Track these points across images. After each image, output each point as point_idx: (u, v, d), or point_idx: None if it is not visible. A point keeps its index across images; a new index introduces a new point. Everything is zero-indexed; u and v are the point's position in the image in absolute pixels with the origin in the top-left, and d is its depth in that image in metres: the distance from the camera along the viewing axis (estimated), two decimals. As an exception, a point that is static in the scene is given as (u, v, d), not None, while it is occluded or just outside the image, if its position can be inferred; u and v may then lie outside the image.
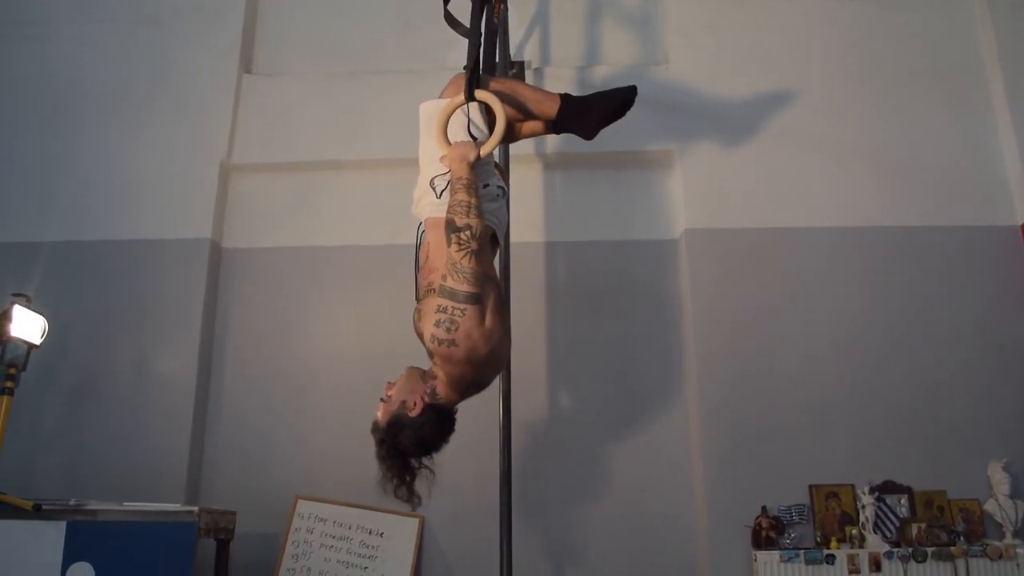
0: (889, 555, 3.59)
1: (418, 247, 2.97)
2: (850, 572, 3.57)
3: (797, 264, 4.08)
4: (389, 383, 2.82)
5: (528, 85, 3.25)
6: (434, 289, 2.73)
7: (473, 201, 2.77)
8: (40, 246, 4.13)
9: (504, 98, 2.95)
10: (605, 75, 4.34)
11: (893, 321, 4.00)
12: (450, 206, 2.78)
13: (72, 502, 2.94)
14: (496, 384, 3.25)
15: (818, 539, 3.70)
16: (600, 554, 3.84)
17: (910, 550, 3.59)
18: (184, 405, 3.95)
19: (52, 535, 2.81)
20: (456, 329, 2.67)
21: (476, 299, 2.69)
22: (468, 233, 2.73)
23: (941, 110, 4.30)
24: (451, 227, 2.75)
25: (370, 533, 3.82)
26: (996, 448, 3.79)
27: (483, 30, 3.14)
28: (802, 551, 3.61)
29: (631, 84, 3.22)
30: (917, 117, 4.28)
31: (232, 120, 4.35)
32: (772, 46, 4.41)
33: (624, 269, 4.22)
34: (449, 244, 2.74)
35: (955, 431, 3.85)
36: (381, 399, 2.81)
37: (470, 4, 3.13)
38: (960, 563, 3.56)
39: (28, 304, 3.28)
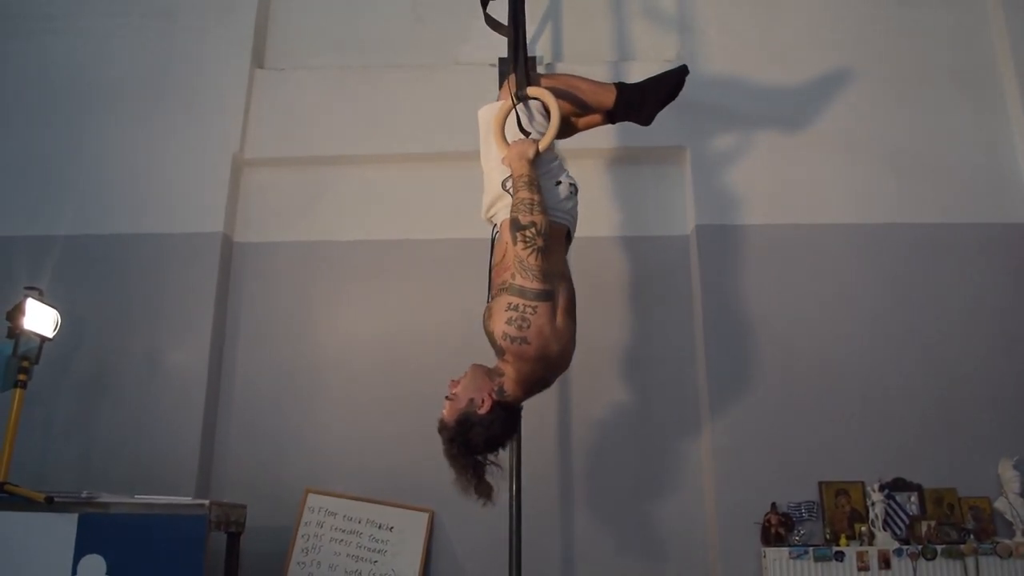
0: (899, 552, 3.58)
1: (492, 248, 2.98)
2: (859, 569, 3.56)
3: (809, 261, 4.07)
4: (453, 381, 2.81)
5: (582, 77, 3.25)
6: (505, 288, 2.72)
7: (536, 198, 2.77)
8: (53, 240, 4.14)
9: (560, 94, 2.99)
10: (616, 71, 4.33)
11: (906, 319, 3.98)
12: (513, 204, 2.79)
13: (84, 494, 2.96)
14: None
15: (827, 536, 3.69)
16: (610, 550, 3.85)
17: (920, 548, 3.57)
18: (195, 399, 3.97)
19: (64, 527, 2.82)
20: (528, 327, 2.66)
21: (547, 296, 2.70)
22: (533, 230, 2.73)
23: (957, 107, 4.28)
24: (516, 225, 2.75)
25: (380, 527, 3.84)
26: (1007, 446, 3.77)
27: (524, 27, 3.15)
28: (811, 548, 3.61)
29: (682, 64, 3.26)
30: (932, 114, 4.26)
31: (244, 115, 4.36)
32: (787, 42, 4.39)
33: (635, 265, 4.21)
34: (515, 243, 2.73)
35: (966, 429, 3.83)
36: (447, 397, 2.78)
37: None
38: (970, 561, 3.55)
39: (41, 297, 3.29)
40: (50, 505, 2.83)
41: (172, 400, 3.97)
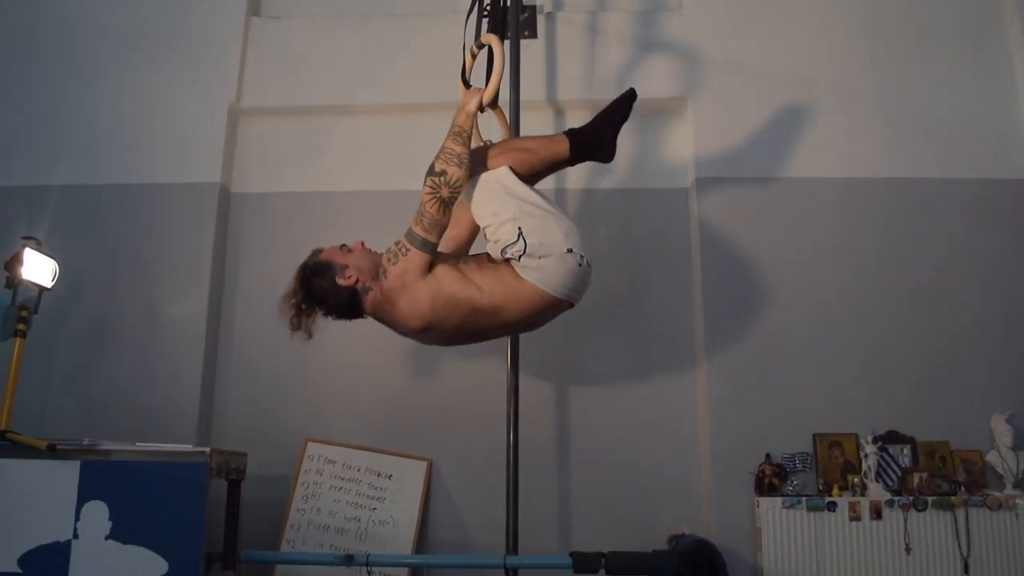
0: (890, 503, 3.63)
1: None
2: (851, 519, 3.62)
3: (808, 215, 4.06)
4: (363, 243, 2.92)
5: (530, 137, 3.18)
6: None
7: (460, 151, 2.79)
8: (49, 190, 4.13)
9: (517, 157, 2.94)
10: (617, 21, 4.28)
11: (903, 273, 3.99)
12: (438, 152, 2.80)
13: (85, 442, 2.98)
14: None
15: (820, 487, 3.74)
16: (605, 498, 3.90)
17: (911, 499, 3.62)
18: (195, 348, 3.99)
19: (67, 474, 2.85)
20: (394, 264, 2.77)
21: (425, 247, 2.74)
22: (442, 179, 2.75)
23: (957, 61, 4.23)
24: (429, 170, 2.78)
25: (379, 475, 3.89)
26: (1000, 401, 3.80)
27: None
28: (804, 498, 3.66)
29: (628, 88, 3.16)
30: (933, 68, 4.21)
31: (240, 63, 4.31)
32: (789, -8, 4.32)
33: (633, 217, 4.21)
34: (424, 186, 2.77)
35: (960, 383, 3.86)
36: (343, 244, 2.91)
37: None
38: (960, 512, 3.60)
39: (39, 247, 3.28)
40: (52, 453, 2.84)
41: (172, 349, 3.99)
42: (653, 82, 4.15)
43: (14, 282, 3.18)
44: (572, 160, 3.10)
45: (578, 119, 4.24)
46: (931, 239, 4.03)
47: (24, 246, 3.22)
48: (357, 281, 2.83)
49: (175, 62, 4.31)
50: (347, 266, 2.83)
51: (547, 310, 2.87)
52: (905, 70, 4.21)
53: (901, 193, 4.07)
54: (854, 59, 4.22)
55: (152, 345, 4.00)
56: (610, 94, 4.13)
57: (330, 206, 4.25)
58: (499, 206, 2.83)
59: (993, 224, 4.04)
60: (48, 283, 3.32)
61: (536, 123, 4.14)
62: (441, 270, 2.79)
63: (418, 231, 2.75)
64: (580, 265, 2.81)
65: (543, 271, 2.77)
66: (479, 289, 2.77)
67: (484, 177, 2.89)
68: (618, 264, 4.13)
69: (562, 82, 4.24)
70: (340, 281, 2.82)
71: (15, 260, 3.18)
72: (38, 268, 3.26)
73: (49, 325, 3.79)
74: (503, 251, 2.78)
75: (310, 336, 2.92)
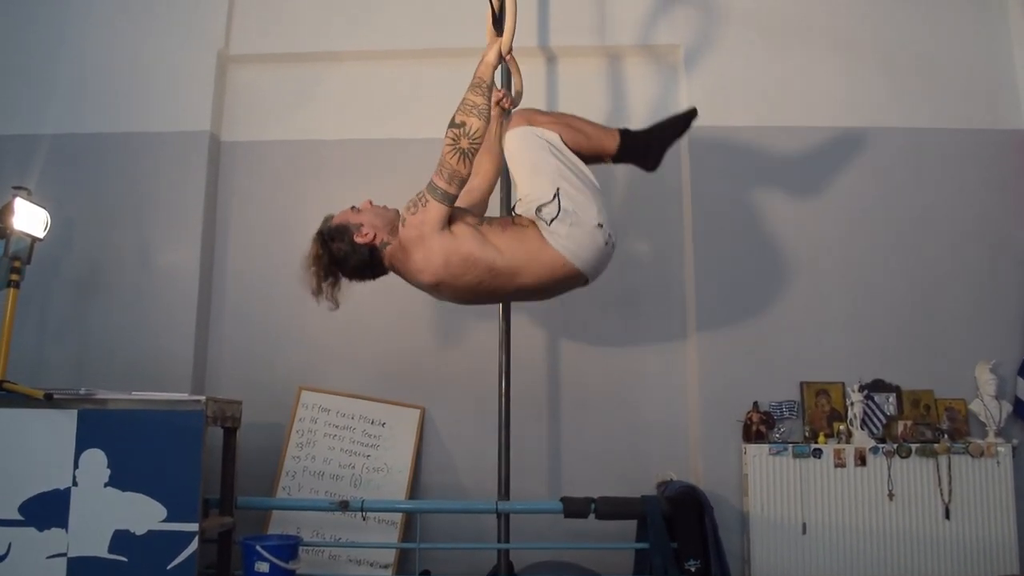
0: (874, 450, 3.70)
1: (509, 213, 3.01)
2: (836, 466, 3.69)
3: (800, 164, 4.06)
4: (371, 201, 2.94)
5: (587, 120, 3.10)
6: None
7: (479, 101, 2.77)
8: (39, 139, 4.09)
9: (570, 134, 2.92)
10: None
11: (892, 223, 4.01)
12: (460, 104, 2.79)
13: (82, 391, 3.01)
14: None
15: (807, 434, 3.80)
16: (595, 445, 3.97)
17: (895, 446, 3.69)
18: (188, 297, 4.01)
19: (64, 423, 2.88)
20: (413, 213, 2.76)
21: (445, 198, 2.73)
22: (462, 131, 2.74)
23: (954, 11, 4.19)
24: (451, 122, 2.77)
25: (372, 423, 3.94)
26: (984, 350, 3.85)
27: None
28: (791, 445, 3.72)
29: (692, 107, 3.17)
30: (930, 18, 4.18)
31: (228, 8, 4.25)
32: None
33: (624, 166, 4.18)
34: (445, 137, 2.76)
35: (946, 332, 3.91)
36: (353, 206, 2.93)
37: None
38: (943, 459, 3.67)
39: (30, 197, 3.27)
40: (49, 402, 2.88)
41: (165, 298, 4.01)
42: (646, 29, 4.12)
43: (6, 232, 3.18)
44: (616, 158, 3.10)
45: (571, 67, 4.24)
46: (918, 189, 4.04)
47: (15, 196, 3.21)
48: (375, 237, 2.84)
49: (162, 9, 4.25)
50: (361, 224, 2.85)
51: (564, 280, 2.88)
52: (900, 19, 4.18)
53: (892, 142, 4.06)
54: (849, 6, 4.18)
55: (145, 294, 4.01)
56: (601, 40, 4.13)
57: (320, 154, 4.24)
58: (540, 160, 2.84)
59: (980, 175, 4.05)
60: (40, 233, 3.31)
61: (527, 69, 4.10)
62: (460, 228, 2.79)
63: (438, 182, 2.73)
64: (607, 244, 2.84)
65: (571, 239, 2.78)
66: (497, 250, 2.77)
67: (529, 130, 2.89)
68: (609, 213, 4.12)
69: (554, 29, 4.19)
70: (359, 239, 2.83)
71: (7, 210, 3.17)
72: (30, 218, 3.25)
73: (42, 275, 3.81)
74: (538, 209, 2.78)
75: (337, 305, 2.94)
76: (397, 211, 2.91)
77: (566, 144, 2.89)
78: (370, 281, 2.98)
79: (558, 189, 2.78)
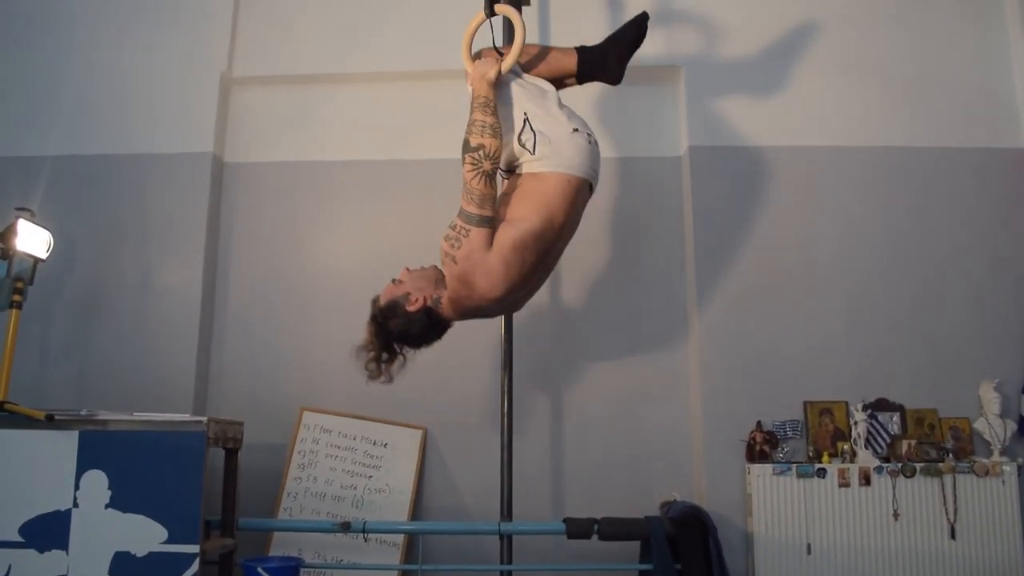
0: (879, 470, 3.67)
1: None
2: (840, 486, 3.66)
3: (801, 184, 4.06)
4: (407, 269, 2.93)
5: (545, 46, 3.22)
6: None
7: (489, 120, 2.78)
8: (42, 160, 4.11)
9: (530, 56, 3.01)
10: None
11: (894, 242, 4.00)
12: (467, 125, 2.81)
13: (83, 412, 3.00)
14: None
15: (810, 454, 3.78)
16: (599, 465, 3.95)
17: (899, 465, 3.66)
18: (190, 318, 4.01)
19: (65, 444, 2.88)
20: (458, 247, 2.74)
21: (484, 222, 2.73)
22: (481, 153, 2.75)
23: (953, 30, 4.21)
24: (465, 147, 2.78)
25: (374, 443, 3.92)
26: (988, 368, 3.84)
27: None
28: (794, 465, 3.69)
29: (642, 12, 3.20)
30: (930, 37, 4.20)
31: (232, 31, 4.28)
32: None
33: (627, 186, 4.20)
34: (463, 164, 2.77)
35: (949, 351, 3.90)
36: (393, 280, 2.92)
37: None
38: (947, 479, 3.64)
39: (32, 218, 3.28)
40: (51, 423, 2.87)
41: (167, 319, 4.00)
42: (646, 50, 4.11)
43: (9, 253, 3.19)
44: (579, 77, 3.16)
45: (570, 89, 4.23)
46: (920, 208, 4.04)
47: (18, 217, 3.22)
48: (426, 299, 2.84)
49: (166, 30, 4.27)
50: (408, 293, 2.85)
51: (577, 197, 2.89)
52: (901, 40, 4.19)
53: (893, 162, 4.07)
54: (850, 27, 4.20)
55: (148, 315, 4.01)
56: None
57: (323, 175, 4.25)
58: (503, 89, 2.90)
59: (984, 193, 4.05)
60: (43, 254, 3.32)
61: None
62: (504, 241, 2.79)
63: (472, 209, 2.74)
64: (590, 142, 2.89)
65: (560, 155, 2.82)
66: (523, 219, 2.78)
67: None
68: (611, 233, 4.14)
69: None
70: (411, 308, 2.83)
71: (9, 231, 3.18)
72: (32, 239, 3.26)
73: (44, 296, 3.81)
74: (519, 141, 2.83)
75: (391, 380, 2.93)
76: (434, 266, 2.92)
77: (523, 68, 2.97)
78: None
79: (525, 114, 2.86)
